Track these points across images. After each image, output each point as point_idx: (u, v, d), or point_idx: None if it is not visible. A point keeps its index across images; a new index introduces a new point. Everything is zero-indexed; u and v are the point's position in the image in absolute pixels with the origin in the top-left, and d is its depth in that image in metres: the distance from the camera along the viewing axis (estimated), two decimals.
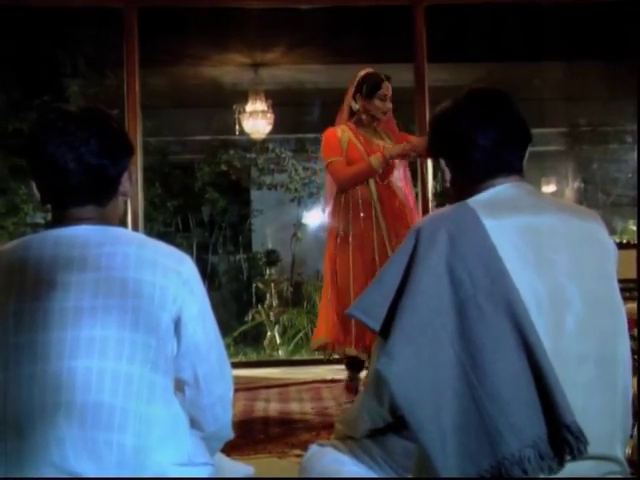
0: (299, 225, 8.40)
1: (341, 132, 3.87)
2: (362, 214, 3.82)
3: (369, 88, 3.83)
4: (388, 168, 3.83)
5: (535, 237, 1.36)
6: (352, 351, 3.75)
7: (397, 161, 3.90)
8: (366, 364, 3.87)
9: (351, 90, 3.91)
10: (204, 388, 1.45)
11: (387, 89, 3.83)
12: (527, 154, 1.50)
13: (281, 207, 8.58)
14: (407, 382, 1.27)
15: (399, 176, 4.02)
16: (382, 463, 1.49)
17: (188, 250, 7.57)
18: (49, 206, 1.46)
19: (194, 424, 1.46)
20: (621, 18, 4.87)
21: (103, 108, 1.50)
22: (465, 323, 1.28)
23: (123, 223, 1.50)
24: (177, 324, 1.38)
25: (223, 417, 1.51)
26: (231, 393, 1.53)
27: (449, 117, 1.49)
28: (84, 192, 1.42)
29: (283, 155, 8.02)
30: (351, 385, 4.01)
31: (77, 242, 1.37)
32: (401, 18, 4.91)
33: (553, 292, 1.32)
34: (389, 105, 3.86)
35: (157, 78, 6.39)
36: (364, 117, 3.88)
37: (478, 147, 1.44)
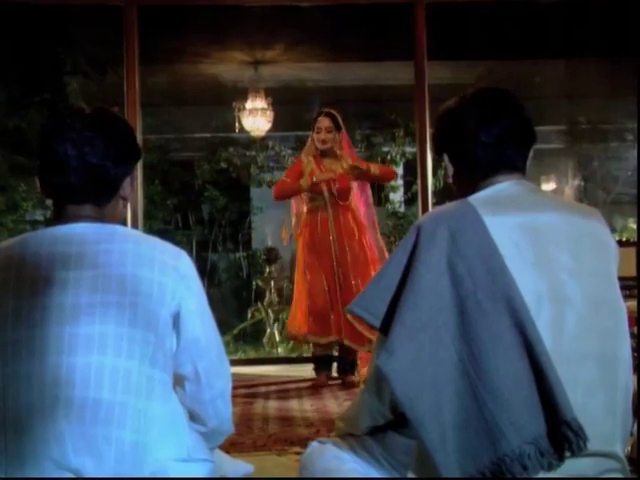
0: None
1: (306, 161, 4.59)
2: (319, 229, 4.52)
3: (312, 124, 4.59)
4: (343, 191, 4.51)
5: (536, 235, 1.36)
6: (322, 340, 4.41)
7: (355, 185, 4.62)
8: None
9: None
10: (205, 383, 1.45)
11: (322, 122, 4.51)
12: (531, 153, 1.50)
13: (281, 205, 8.55)
14: (407, 379, 1.27)
15: (360, 197, 4.72)
16: (382, 460, 1.49)
17: (188, 248, 7.56)
18: (49, 203, 1.47)
19: (196, 419, 1.47)
20: (621, 16, 4.86)
21: (115, 112, 1.51)
22: (466, 320, 1.28)
23: (123, 223, 1.50)
24: (176, 319, 1.39)
25: (224, 411, 1.52)
26: (230, 388, 1.53)
27: (455, 113, 1.50)
28: (83, 191, 1.42)
29: (283, 153, 8.01)
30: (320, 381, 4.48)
31: (74, 239, 1.38)
32: (401, 16, 4.90)
33: (553, 290, 1.32)
34: (323, 136, 4.49)
35: (157, 75, 6.39)
36: (315, 148, 4.57)
37: (481, 144, 1.44)
